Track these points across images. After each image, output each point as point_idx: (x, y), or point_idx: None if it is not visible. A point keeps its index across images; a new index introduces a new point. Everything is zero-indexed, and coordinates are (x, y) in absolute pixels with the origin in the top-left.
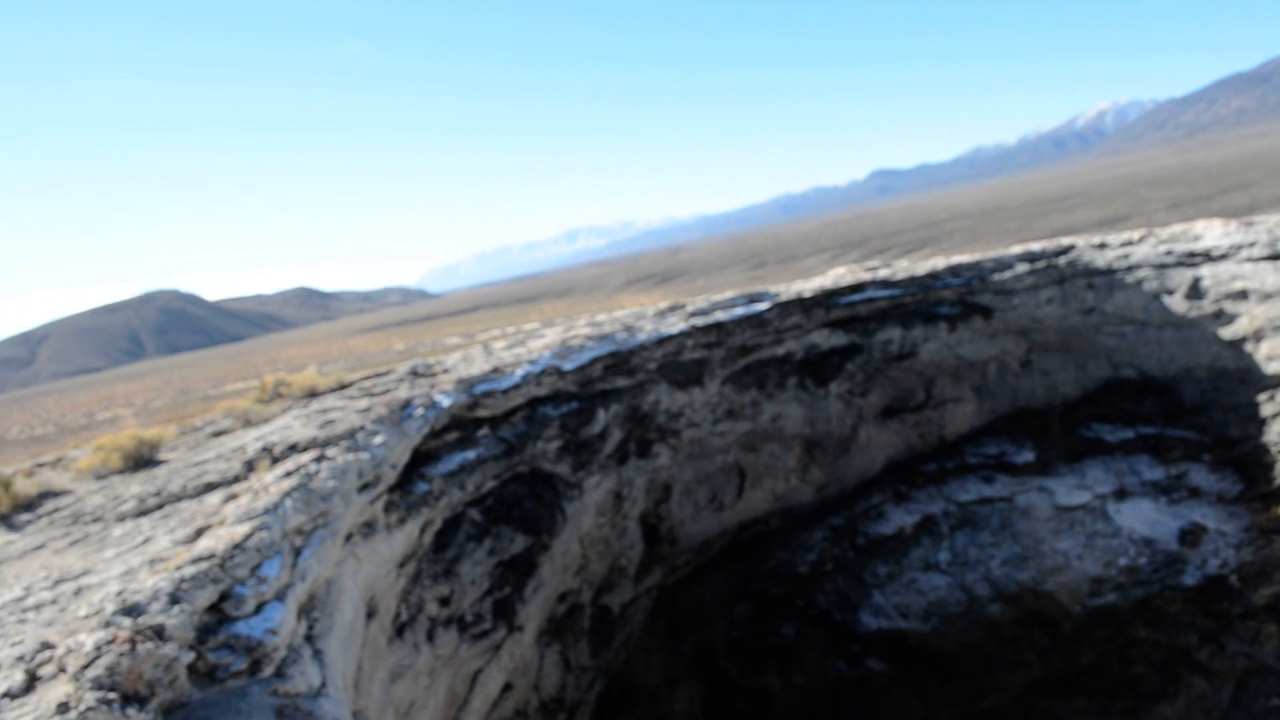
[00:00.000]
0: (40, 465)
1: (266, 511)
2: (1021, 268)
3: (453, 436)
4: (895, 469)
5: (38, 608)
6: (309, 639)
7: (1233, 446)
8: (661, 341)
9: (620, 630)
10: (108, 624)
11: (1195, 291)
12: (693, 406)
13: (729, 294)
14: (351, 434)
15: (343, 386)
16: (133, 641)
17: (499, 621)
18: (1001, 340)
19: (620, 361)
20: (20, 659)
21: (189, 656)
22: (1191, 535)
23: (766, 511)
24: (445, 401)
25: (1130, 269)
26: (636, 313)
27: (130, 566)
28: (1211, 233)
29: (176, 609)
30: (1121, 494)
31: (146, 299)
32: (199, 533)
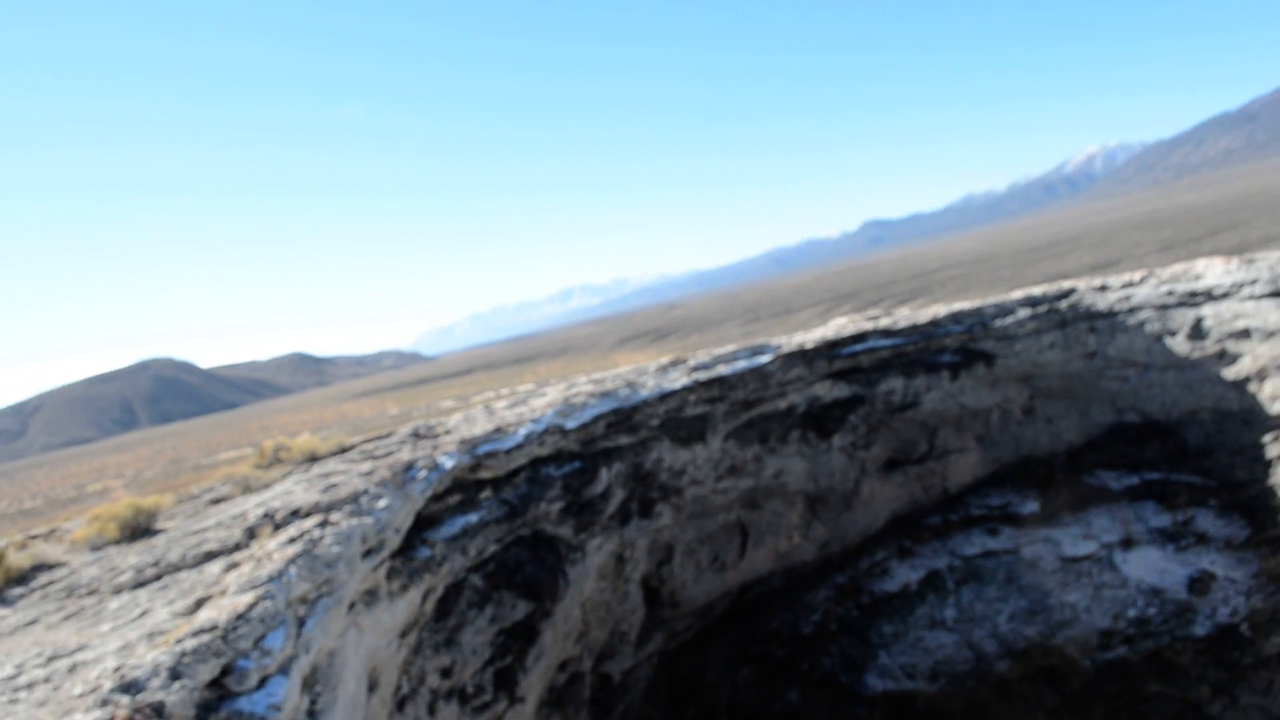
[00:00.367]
0: (33, 537)
1: (270, 580)
2: (1023, 313)
3: (454, 499)
4: (898, 523)
5: (30, 686)
6: (311, 714)
7: (1239, 490)
8: (664, 397)
9: (621, 699)
10: (105, 702)
11: (1197, 332)
12: (695, 463)
13: (730, 347)
14: (355, 498)
15: (344, 450)
16: None
17: (500, 692)
18: (1004, 388)
19: (623, 418)
20: None
21: None
22: (1200, 583)
23: (769, 571)
24: (448, 463)
25: (1132, 311)
26: (639, 368)
27: (128, 640)
28: (1213, 271)
29: (177, 685)
30: (1128, 543)
31: (140, 367)
32: (199, 603)
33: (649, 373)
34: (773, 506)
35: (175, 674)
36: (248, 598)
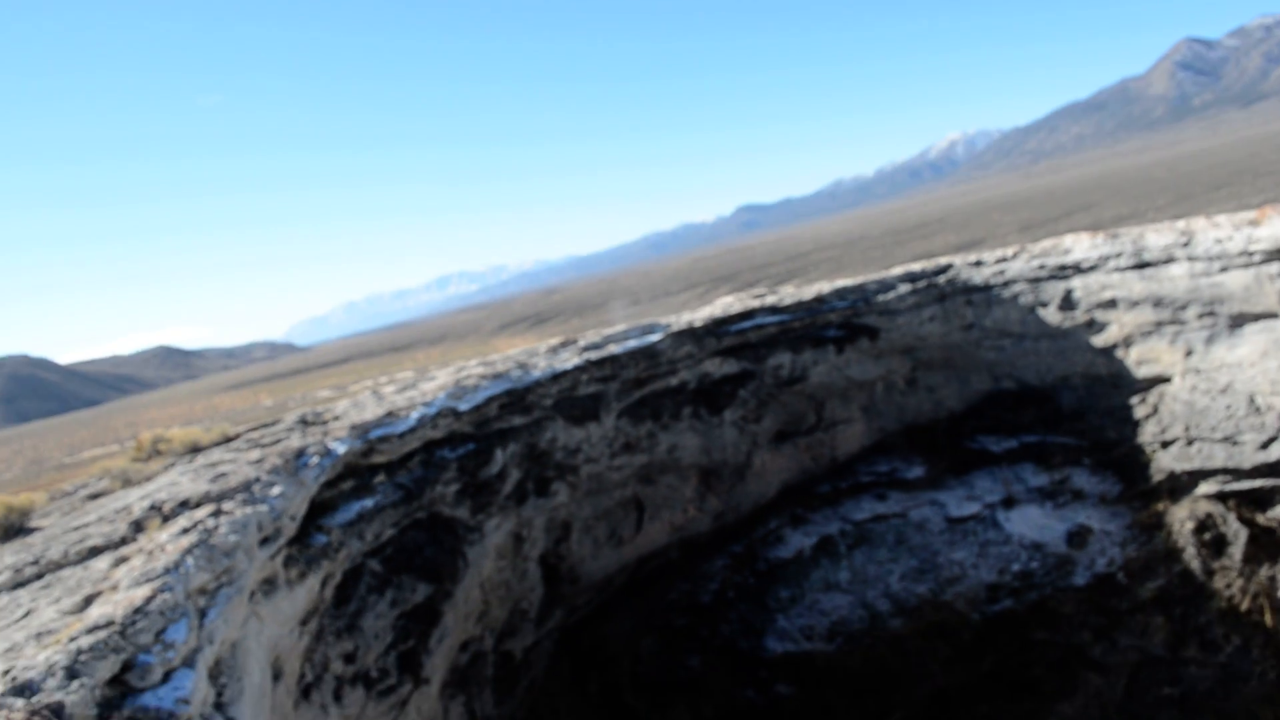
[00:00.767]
0: None
1: (166, 571)
2: (904, 288)
3: (348, 485)
4: (790, 492)
5: None
6: (219, 707)
7: (1111, 449)
8: (556, 377)
9: (524, 676)
10: None
11: (1068, 302)
12: (590, 442)
13: (621, 327)
14: (247, 486)
15: (228, 440)
16: None
17: (405, 675)
18: (887, 360)
19: (516, 399)
20: None
21: None
22: (1078, 537)
23: (666, 544)
24: (340, 449)
25: (1006, 284)
26: (529, 350)
27: (14, 642)
28: (1080, 246)
29: (75, 684)
30: (1010, 502)
31: None
32: (89, 600)
33: (540, 354)
34: (667, 481)
35: (72, 673)
36: (144, 591)
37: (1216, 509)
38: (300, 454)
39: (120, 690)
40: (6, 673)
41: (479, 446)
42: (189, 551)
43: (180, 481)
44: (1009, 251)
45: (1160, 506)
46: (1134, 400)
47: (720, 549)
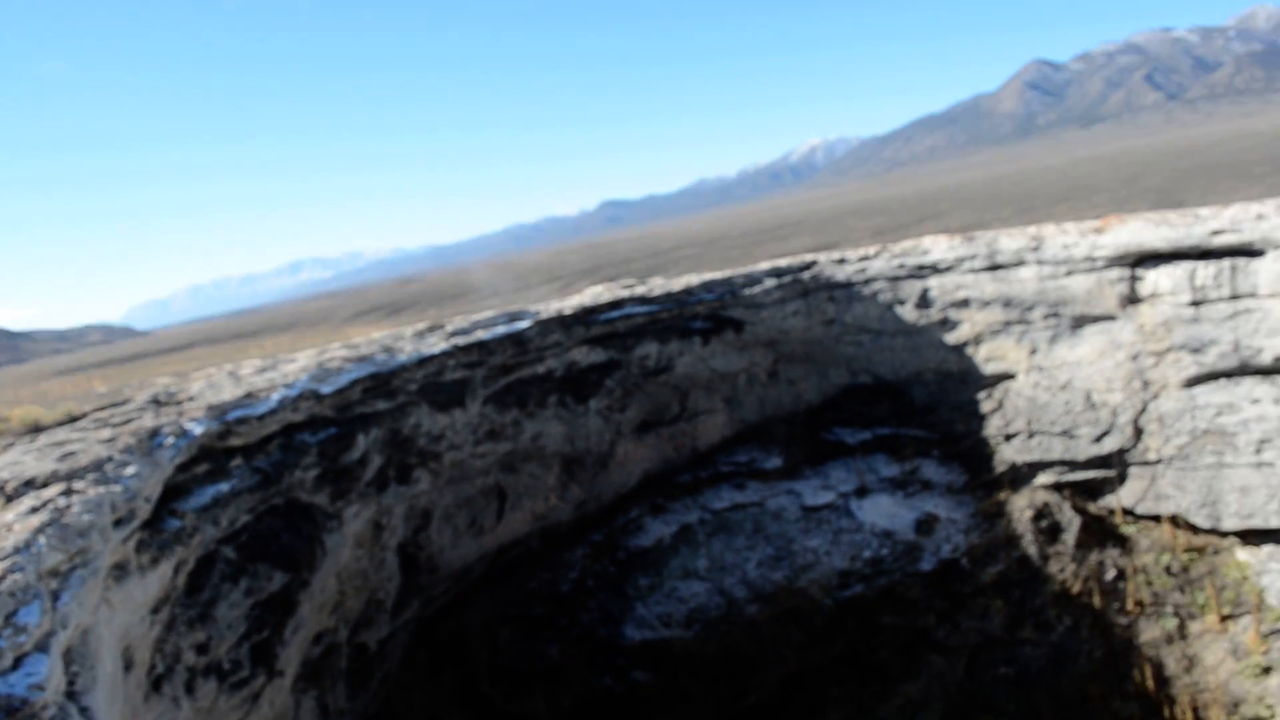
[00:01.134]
0: None
1: (16, 551)
2: (770, 282)
3: (203, 468)
4: (651, 481)
5: None
6: (71, 696)
7: (958, 441)
8: (422, 362)
9: (378, 668)
10: None
11: (924, 301)
12: (454, 428)
13: (489, 313)
14: (99, 465)
15: (74, 419)
16: None
17: (258, 668)
18: (751, 352)
19: (380, 384)
20: None
21: None
22: (926, 524)
23: (527, 533)
24: (197, 429)
25: (867, 282)
26: (395, 334)
27: None
28: (938, 247)
29: None
30: (863, 491)
31: None
32: None
33: (406, 338)
34: (530, 469)
35: None
36: None
37: (1053, 498)
38: (154, 434)
39: None
40: None
41: (341, 431)
42: (40, 531)
43: (24, 460)
44: (871, 250)
45: (1002, 496)
46: (981, 395)
47: (581, 538)
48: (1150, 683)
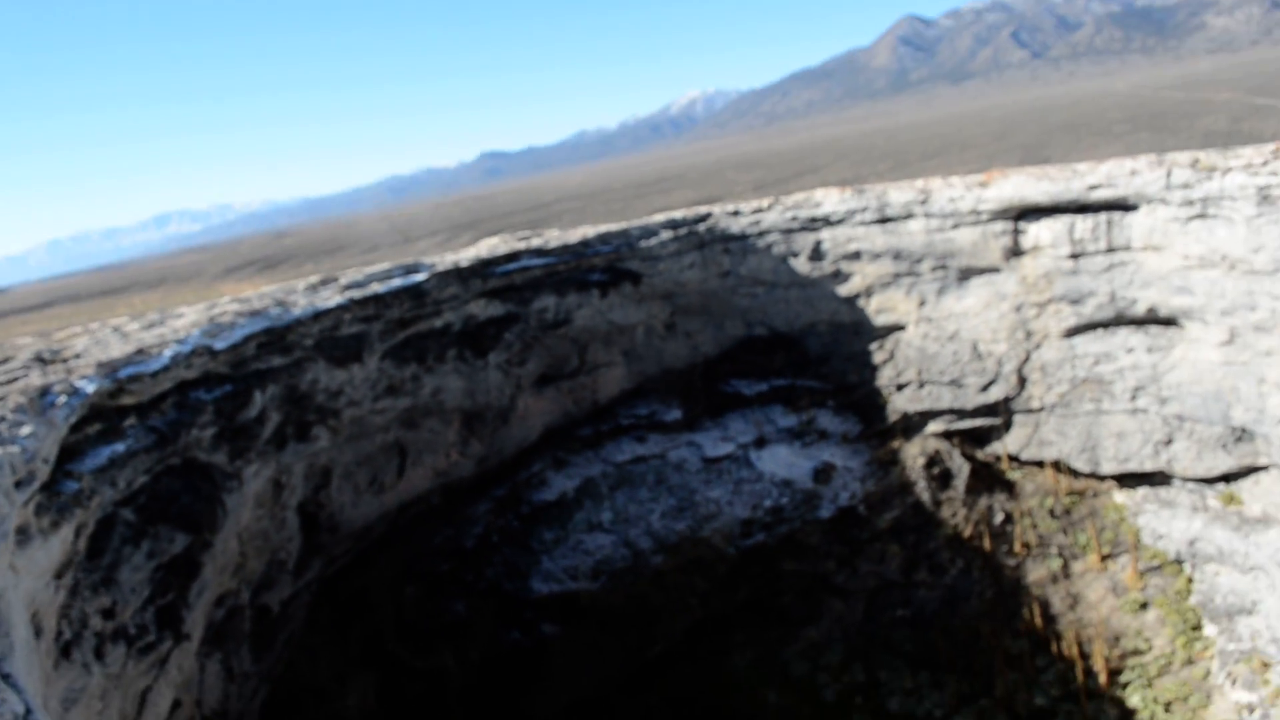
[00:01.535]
0: None
1: None
2: (666, 234)
3: (95, 428)
4: (553, 435)
5: None
6: None
7: (852, 391)
8: (318, 316)
9: (282, 630)
10: None
11: (817, 254)
12: (353, 384)
13: (384, 265)
14: None
15: None
16: None
17: (164, 631)
18: (649, 305)
19: (276, 339)
20: None
21: None
22: (823, 473)
23: (428, 489)
24: (89, 387)
25: (761, 234)
26: (286, 287)
27: None
28: (830, 200)
29: None
30: (761, 442)
31: None
32: None
33: (299, 291)
34: (430, 425)
35: None
36: None
37: (943, 446)
38: (45, 392)
39: None
40: None
41: (236, 388)
42: None
43: None
44: (765, 203)
45: (895, 444)
46: (874, 346)
47: (484, 493)
48: (1038, 620)
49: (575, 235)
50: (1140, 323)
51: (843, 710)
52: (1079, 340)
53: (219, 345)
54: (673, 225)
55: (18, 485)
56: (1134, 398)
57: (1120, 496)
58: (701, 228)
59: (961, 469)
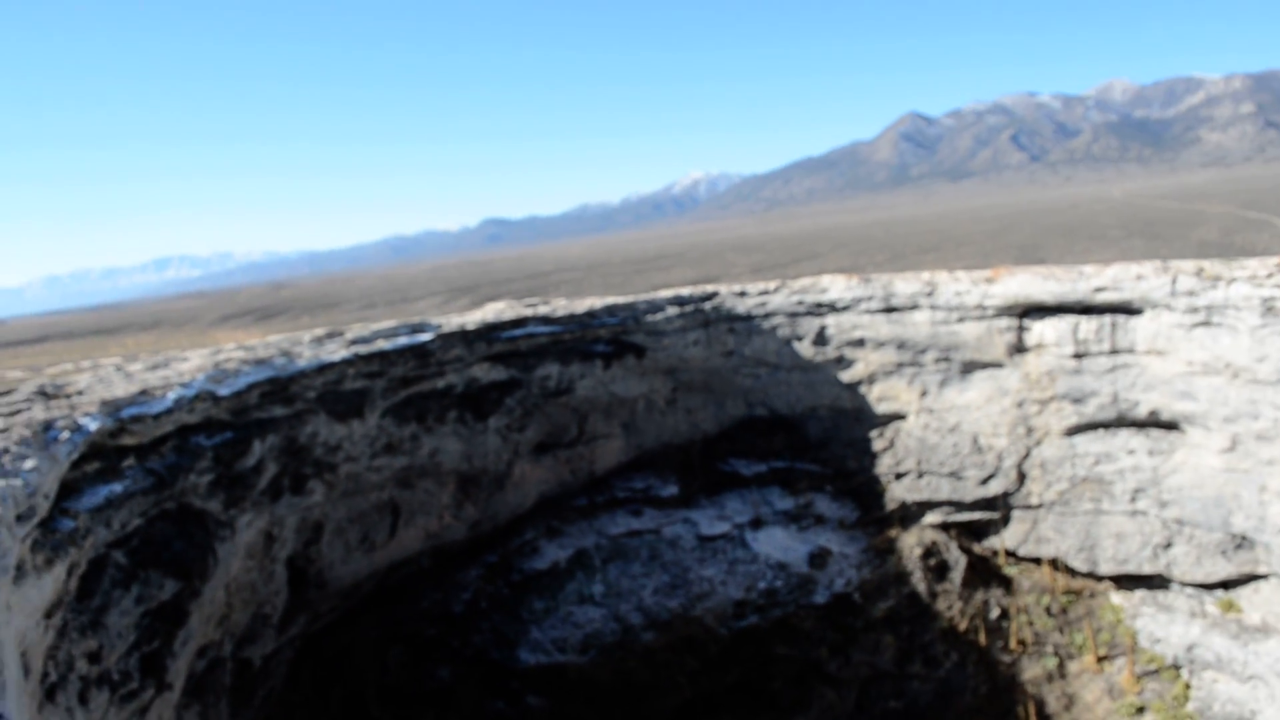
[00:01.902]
0: None
1: None
2: (672, 310)
3: (93, 467)
4: (547, 504)
5: None
6: None
7: (851, 478)
8: (322, 369)
9: (261, 685)
10: None
11: (821, 338)
12: (352, 439)
13: (390, 323)
14: None
15: None
16: None
17: (148, 679)
18: (651, 379)
19: (279, 389)
20: None
21: None
22: (819, 558)
23: (419, 551)
24: (91, 425)
25: (767, 316)
26: (292, 338)
27: None
28: (836, 286)
29: None
30: (758, 523)
31: None
32: None
33: (304, 343)
34: (426, 486)
35: None
36: None
37: (940, 537)
38: (48, 426)
39: None
40: None
41: (236, 436)
42: None
43: None
44: (771, 285)
45: (893, 533)
46: (874, 434)
47: (475, 558)
48: (1033, 719)
49: (582, 305)
50: (1142, 425)
51: None
52: (1080, 439)
53: (222, 391)
54: (679, 301)
55: (19, 519)
56: (1134, 499)
57: (1118, 598)
58: (707, 306)
59: (959, 561)
